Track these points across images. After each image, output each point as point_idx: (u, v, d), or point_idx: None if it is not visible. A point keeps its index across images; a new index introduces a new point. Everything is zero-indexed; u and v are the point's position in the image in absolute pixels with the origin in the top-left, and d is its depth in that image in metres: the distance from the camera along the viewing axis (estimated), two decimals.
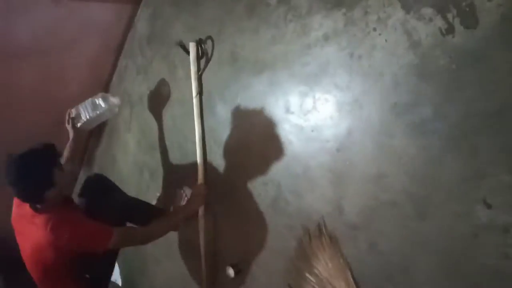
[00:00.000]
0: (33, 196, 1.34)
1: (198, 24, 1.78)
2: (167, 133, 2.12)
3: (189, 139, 1.93)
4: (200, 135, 1.80)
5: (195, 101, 1.78)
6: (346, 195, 1.28)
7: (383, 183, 1.16)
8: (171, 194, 2.12)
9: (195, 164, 1.88)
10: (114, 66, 2.52)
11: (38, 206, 1.38)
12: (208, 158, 1.83)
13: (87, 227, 1.41)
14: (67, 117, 1.85)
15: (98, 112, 1.87)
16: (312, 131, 1.36)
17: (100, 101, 1.89)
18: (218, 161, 1.79)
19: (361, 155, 1.21)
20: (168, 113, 2.09)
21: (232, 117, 1.69)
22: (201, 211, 1.84)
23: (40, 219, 1.37)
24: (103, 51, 2.38)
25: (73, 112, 1.87)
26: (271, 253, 1.58)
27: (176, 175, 2.09)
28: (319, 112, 1.32)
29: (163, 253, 2.22)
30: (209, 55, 1.75)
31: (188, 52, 1.76)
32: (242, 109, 1.64)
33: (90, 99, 1.89)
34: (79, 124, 1.86)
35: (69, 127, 1.85)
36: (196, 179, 1.85)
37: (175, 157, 2.07)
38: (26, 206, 1.40)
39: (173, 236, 2.13)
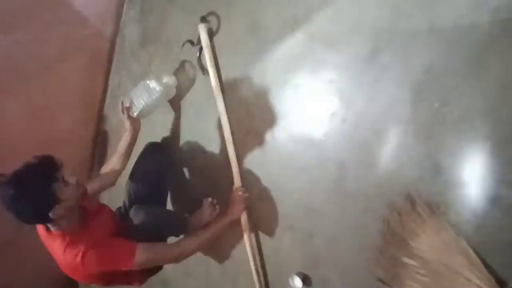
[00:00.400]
0: (36, 218, 1.17)
1: (200, 4, 1.53)
2: (183, 144, 1.84)
3: (213, 140, 1.65)
4: (229, 130, 1.53)
5: (216, 90, 1.51)
6: (443, 147, 1.01)
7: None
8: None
9: (226, 166, 1.60)
10: (105, 86, 2.24)
11: (50, 227, 1.20)
12: (242, 154, 1.55)
13: (105, 246, 1.23)
14: (120, 107, 1.59)
15: (154, 97, 1.59)
16: (377, 82, 1.11)
17: (154, 84, 1.59)
18: (255, 155, 1.51)
19: (458, 89, 0.96)
20: (181, 119, 1.82)
21: (264, 99, 1.43)
22: (243, 219, 1.55)
23: (54, 241, 1.21)
24: (90, 71, 2.10)
25: (127, 101, 1.60)
26: (347, 248, 1.30)
27: (204, 185, 1.80)
28: (381, 56, 1.08)
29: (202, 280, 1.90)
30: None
31: (197, 43, 1.53)
32: (275, 85, 1.38)
33: (142, 83, 1.61)
34: (135, 113, 1.59)
35: (124, 117, 1.59)
36: (231, 183, 1.57)
37: (199, 164, 1.78)
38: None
39: (212, 253, 1.82)
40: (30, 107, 1.91)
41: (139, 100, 1.58)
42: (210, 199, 1.72)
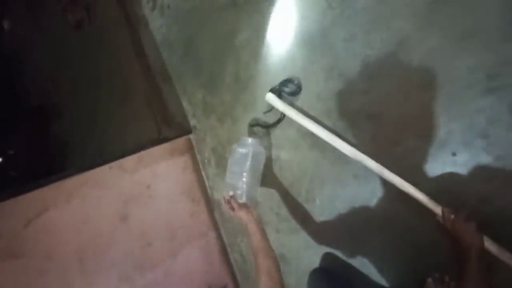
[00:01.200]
0: None
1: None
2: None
3: (353, 197, 1.28)
4: (369, 159, 1.16)
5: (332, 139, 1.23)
6: None
7: None
8: None
9: (404, 209, 1.15)
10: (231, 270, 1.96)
11: None
12: (406, 171, 1.11)
13: None
14: (226, 206, 1.31)
15: (248, 163, 1.35)
16: None
17: (240, 150, 1.37)
18: (422, 154, 1.08)
19: None
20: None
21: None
22: (489, 245, 0.99)
23: None
24: (207, 262, 1.89)
25: (227, 190, 1.36)
26: None
27: (404, 261, 1.24)
28: None
29: None
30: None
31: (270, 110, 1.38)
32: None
33: (229, 163, 1.41)
34: (244, 197, 1.32)
35: (236, 212, 1.26)
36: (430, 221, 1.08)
37: (375, 238, 1.28)
38: None
39: None
40: None
41: (239, 180, 1.35)
42: (430, 279, 1.18)
